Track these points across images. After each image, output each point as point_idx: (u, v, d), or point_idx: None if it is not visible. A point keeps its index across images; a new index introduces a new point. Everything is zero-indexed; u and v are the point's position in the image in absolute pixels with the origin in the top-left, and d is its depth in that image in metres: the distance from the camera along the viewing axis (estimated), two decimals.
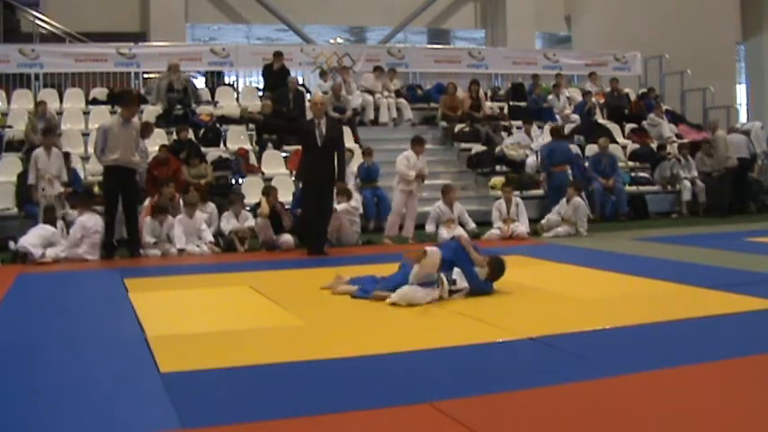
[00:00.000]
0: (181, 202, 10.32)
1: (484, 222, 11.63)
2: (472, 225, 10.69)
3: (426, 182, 13.43)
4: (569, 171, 12.66)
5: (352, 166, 12.15)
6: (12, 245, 9.35)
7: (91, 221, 9.36)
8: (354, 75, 15.69)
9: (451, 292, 6.09)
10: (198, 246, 9.80)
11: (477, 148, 14.27)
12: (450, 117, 15.04)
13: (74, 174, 11.34)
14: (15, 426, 3.45)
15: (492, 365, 4.33)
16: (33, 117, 12.40)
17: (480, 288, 6.24)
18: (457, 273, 6.19)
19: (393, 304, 5.92)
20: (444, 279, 6.07)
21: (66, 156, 10.97)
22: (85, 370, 4.36)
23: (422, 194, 12.52)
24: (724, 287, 6.37)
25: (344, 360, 4.39)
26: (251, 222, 10.24)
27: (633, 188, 14.11)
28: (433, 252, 6.09)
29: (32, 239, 9.15)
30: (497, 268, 6.39)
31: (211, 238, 9.97)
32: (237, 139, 13.60)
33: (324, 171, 9.27)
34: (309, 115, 14.22)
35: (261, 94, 15.14)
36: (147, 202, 10.37)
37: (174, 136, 12.67)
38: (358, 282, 6.47)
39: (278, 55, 14.97)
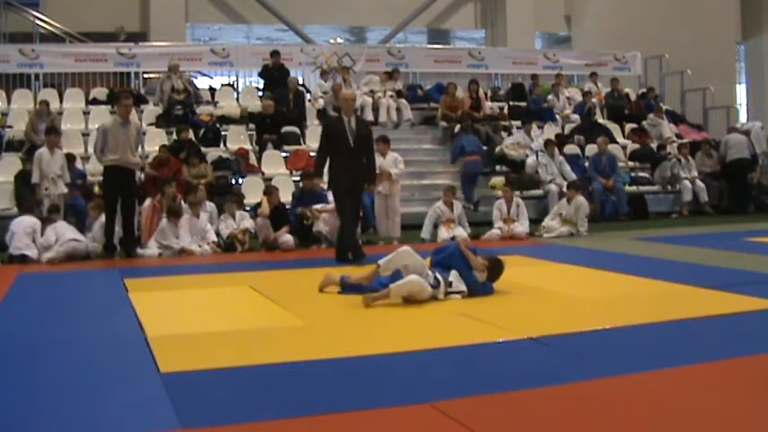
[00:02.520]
0: (183, 202, 10.32)
1: (484, 222, 11.63)
2: (467, 231, 10.67)
3: (426, 182, 13.53)
4: (480, 159, 13.28)
5: None
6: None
7: (62, 228, 9.40)
8: (355, 75, 15.69)
9: (448, 293, 6.09)
10: (200, 245, 9.80)
11: None
12: (450, 117, 15.04)
13: (80, 173, 11.40)
14: (16, 425, 3.45)
15: (492, 365, 4.33)
16: (34, 117, 12.41)
17: (479, 291, 6.23)
18: (454, 275, 6.17)
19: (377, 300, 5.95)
20: (441, 279, 6.07)
21: (71, 158, 10.99)
22: (85, 370, 4.35)
23: (422, 195, 12.59)
24: (724, 287, 6.37)
25: (344, 360, 4.38)
26: (248, 223, 10.24)
27: (633, 188, 14.11)
28: (402, 283, 5.91)
29: (24, 240, 9.16)
30: (496, 269, 6.37)
31: (214, 238, 9.98)
32: (237, 139, 13.61)
33: (357, 172, 8.53)
34: (313, 113, 14.39)
35: (261, 94, 15.15)
36: (147, 203, 10.37)
37: (175, 136, 12.67)
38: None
39: (275, 54, 14.97)
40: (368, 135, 8.83)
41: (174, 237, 9.75)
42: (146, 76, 15.52)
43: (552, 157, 13.40)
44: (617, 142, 15.23)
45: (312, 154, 13.37)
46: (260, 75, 15.31)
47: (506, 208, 10.97)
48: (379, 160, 10.75)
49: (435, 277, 6.06)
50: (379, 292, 5.95)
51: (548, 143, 13.61)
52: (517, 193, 11.86)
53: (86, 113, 13.96)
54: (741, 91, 22.82)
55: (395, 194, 10.64)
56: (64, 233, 9.32)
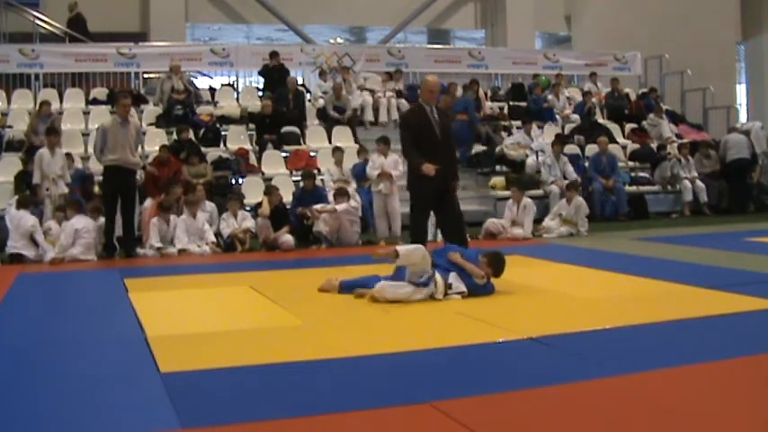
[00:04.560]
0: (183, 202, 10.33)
1: (483, 222, 11.63)
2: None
3: None
4: (467, 119, 13.92)
5: (348, 164, 12.14)
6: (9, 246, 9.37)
7: (81, 224, 9.31)
8: (354, 75, 15.69)
9: (447, 295, 6.09)
10: (199, 246, 9.80)
11: (477, 148, 14.28)
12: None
13: (80, 171, 11.39)
14: (16, 426, 3.45)
15: (492, 365, 4.33)
16: (35, 118, 12.40)
17: (480, 292, 6.22)
18: (453, 276, 6.16)
19: (373, 300, 5.98)
20: (440, 278, 6.07)
21: (68, 156, 11.00)
22: (85, 370, 4.36)
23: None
24: (724, 287, 6.37)
25: (344, 360, 4.38)
26: (249, 223, 10.24)
27: (633, 188, 14.12)
28: (409, 251, 6.03)
29: (21, 240, 9.17)
30: (498, 265, 6.34)
31: (213, 238, 9.98)
32: (237, 139, 13.61)
33: (445, 168, 7.37)
34: (313, 112, 14.39)
35: (261, 94, 15.15)
36: (147, 203, 10.37)
37: (175, 136, 12.67)
38: (359, 281, 6.45)
39: (274, 54, 14.98)
40: (450, 126, 7.90)
41: (167, 237, 9.75)
42: (146, 76, 15.52)
43: (557, 159, 13.39)
44: (617, 142, 15.24)
45: (312, 154, 13.45)
46: (260, 73, 15.31)
47: (515, 209, 10.95)
48: (380, 160, 10.76)
49: (433, 274, 6.07)
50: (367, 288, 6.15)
51: (554, 143, 13.60)
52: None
53: (86, 113, 13.96)
54: (741, 91, 22.83)
55: (394, 194, 10.68)
56: (79, 230, 9.23)
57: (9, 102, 14.06)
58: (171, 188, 10.31)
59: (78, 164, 11.70)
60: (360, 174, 11.98)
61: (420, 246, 6.16)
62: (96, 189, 11.02)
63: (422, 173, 7.17)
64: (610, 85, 17.05)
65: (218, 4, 19.08)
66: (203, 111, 13.99)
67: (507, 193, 12.00)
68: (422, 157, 7.29)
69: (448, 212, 7.50)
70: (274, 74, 14.87)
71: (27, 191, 10.42)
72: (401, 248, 6.09)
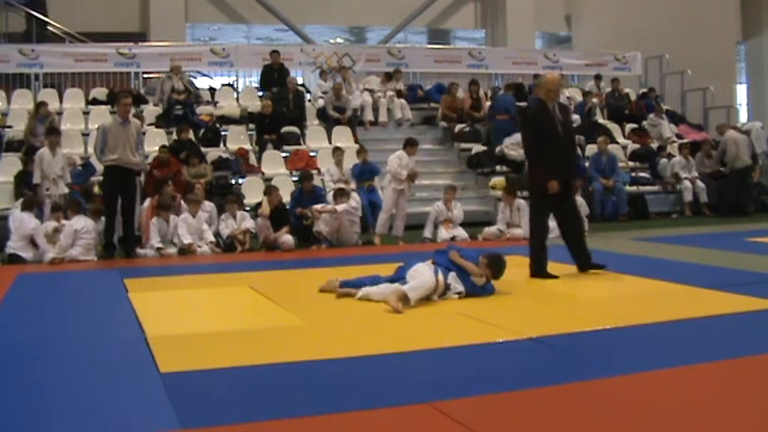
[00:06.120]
0: (182, 202, 10.32)
1: (484, 222, 11.64)
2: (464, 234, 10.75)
3: (426, 182, 13.55)
4: (508, 119, 14.30)
5: (348, 164, 12.13)
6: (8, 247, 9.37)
7: (80, 224, 9.29)
8: (355, 75, 15.69)
9: (443, 295, 6.07)
10: (199, 246, 9.80)
11: (477, 148, 14.28)
12: (450, 117, 15.04)
13: (81, 170, 11.40)
14: (15, 425, 3.45)
15: (492, 365, 4.33)
16: (33, 119, 12.40)
17: (480, 292, 6.21)
18: (452, 277, 6.15)
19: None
20: (441, 277, 6.06)
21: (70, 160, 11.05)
22: (85, 370, 4.36)
23: (422, 194, 12.60)
24: (724, 287, 6.37)
25: (344, 360, 4.39)
26: (249, 223, 10.24)
27: (633, 188, 14.12)
28: (418, 290, 5.90)
29: (20, 242, 9.18)
30: (497, 267, 6.35)
31: (212, 238, 9.98)
32: (237, 139, 13.61)
33: (570, 168, 7.29)
34: (313, 112, 14.39)
35: (260, 94, 15.14)
36: (147, 203, 10.37)
37: (175, 136, 12.67)
38: (360, 281, 6.44)
39: (274, 53, 14.98)
40: (572, 123, 7.59)
41: (168, 237, 9.74)
42: (146, 76, 15.52)
43: None
44: (617, 142, 15.24)
45: (312, 154, 13.45)
46: (261, 77, 15.28)
47: (508, 212, 10.99)
48: (405, 159, 10.76)
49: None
50: (352, 289, 6.21)
51: None
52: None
53: (86, 113, 13.96)
54: (741, 91, 22.83)
55: (407, 194, 10.73)
56: (79, 231, 9.21)
57: (9, 102, 14.06)
58: (164, 186, 10.29)
59: (78, 164, 11.68)
60: (360, 174, 11.99)
61: (427, 280, 5.98)
62: (96, 189, 11.02)
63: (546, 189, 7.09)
64: (610, 85, 17.05)
65: (218, 4, 19.07)
66: (203, 111, 13.99)
67: None
68: (544, 155, 7.08)
69: (567, 212, 7.46)
70: (274, 75, 14.87)
71: (27, 191, 10.41)
72: (410, 291, 5.86)
